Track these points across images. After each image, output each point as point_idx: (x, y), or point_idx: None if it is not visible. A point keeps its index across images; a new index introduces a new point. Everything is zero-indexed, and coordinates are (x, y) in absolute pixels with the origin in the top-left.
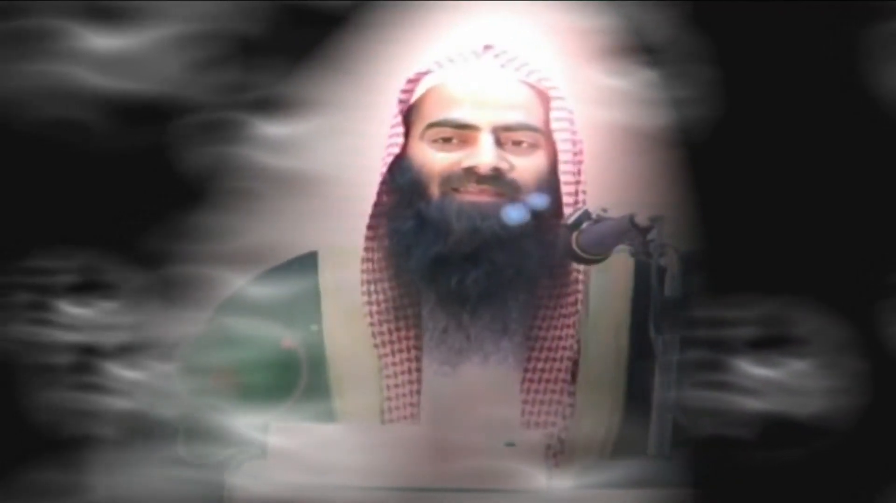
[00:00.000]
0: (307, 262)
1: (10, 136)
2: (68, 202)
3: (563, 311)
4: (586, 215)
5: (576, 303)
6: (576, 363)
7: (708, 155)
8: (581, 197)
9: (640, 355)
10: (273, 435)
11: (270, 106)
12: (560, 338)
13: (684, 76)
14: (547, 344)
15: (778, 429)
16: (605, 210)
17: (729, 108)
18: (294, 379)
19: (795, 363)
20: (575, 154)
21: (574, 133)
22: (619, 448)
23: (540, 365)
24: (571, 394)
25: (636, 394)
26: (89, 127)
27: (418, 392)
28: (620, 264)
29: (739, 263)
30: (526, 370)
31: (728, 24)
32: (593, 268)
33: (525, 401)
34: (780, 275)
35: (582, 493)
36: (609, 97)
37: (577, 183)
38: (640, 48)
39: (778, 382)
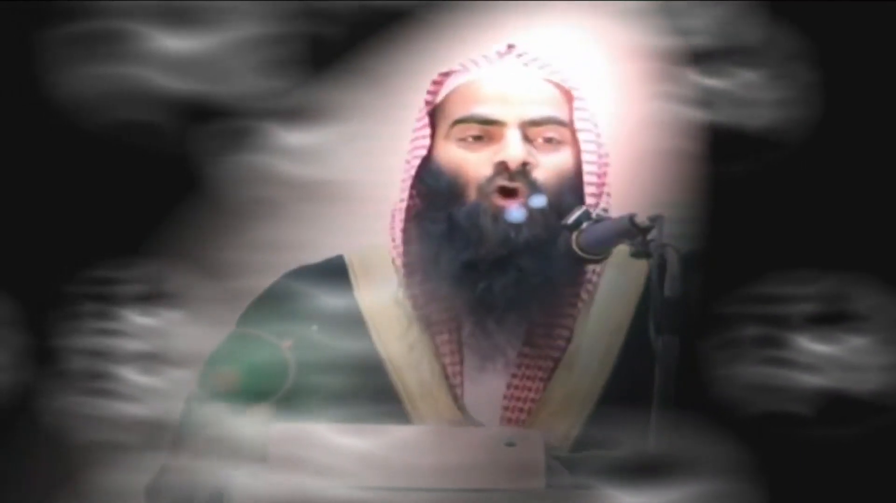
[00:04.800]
0: (336, 266)
1: (82, 139)
2: (136, 207)
3: (566, 311)
4: (586, 215)
5: (578, 301)
6: (560, 358)
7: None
8: (605, 199)
9: (631, 356)
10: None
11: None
12: (553, 334)
13: (783, 77)
14: (540, 340)
15: (837, 405)
16: (605, 210)
17: (828, 108)
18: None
19: (855, 339)
20: (600, 156)
21: (598, 136)
22: (583, 444)
23: (527, 361)
24: (544, 386)
25: (614, 394)
26: (161, 129)
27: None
28: (639, 265)
29: (803, 241)
30: (517, 366)
31: (827, 24)
32: (610, 267)
33: (506, 396)
34: (840, 251)
35: (582, 494)
36: (708, 98)
37: (602, 185)
38: (736, 50)
39: (837, 358)
